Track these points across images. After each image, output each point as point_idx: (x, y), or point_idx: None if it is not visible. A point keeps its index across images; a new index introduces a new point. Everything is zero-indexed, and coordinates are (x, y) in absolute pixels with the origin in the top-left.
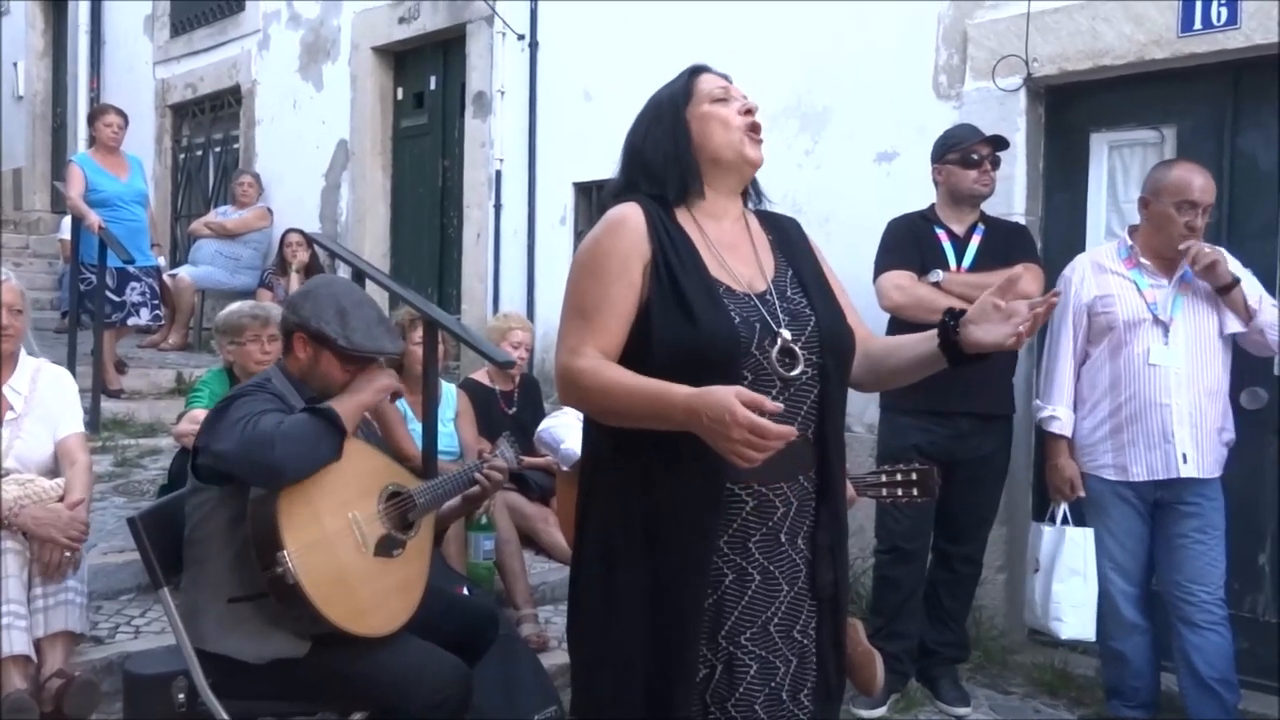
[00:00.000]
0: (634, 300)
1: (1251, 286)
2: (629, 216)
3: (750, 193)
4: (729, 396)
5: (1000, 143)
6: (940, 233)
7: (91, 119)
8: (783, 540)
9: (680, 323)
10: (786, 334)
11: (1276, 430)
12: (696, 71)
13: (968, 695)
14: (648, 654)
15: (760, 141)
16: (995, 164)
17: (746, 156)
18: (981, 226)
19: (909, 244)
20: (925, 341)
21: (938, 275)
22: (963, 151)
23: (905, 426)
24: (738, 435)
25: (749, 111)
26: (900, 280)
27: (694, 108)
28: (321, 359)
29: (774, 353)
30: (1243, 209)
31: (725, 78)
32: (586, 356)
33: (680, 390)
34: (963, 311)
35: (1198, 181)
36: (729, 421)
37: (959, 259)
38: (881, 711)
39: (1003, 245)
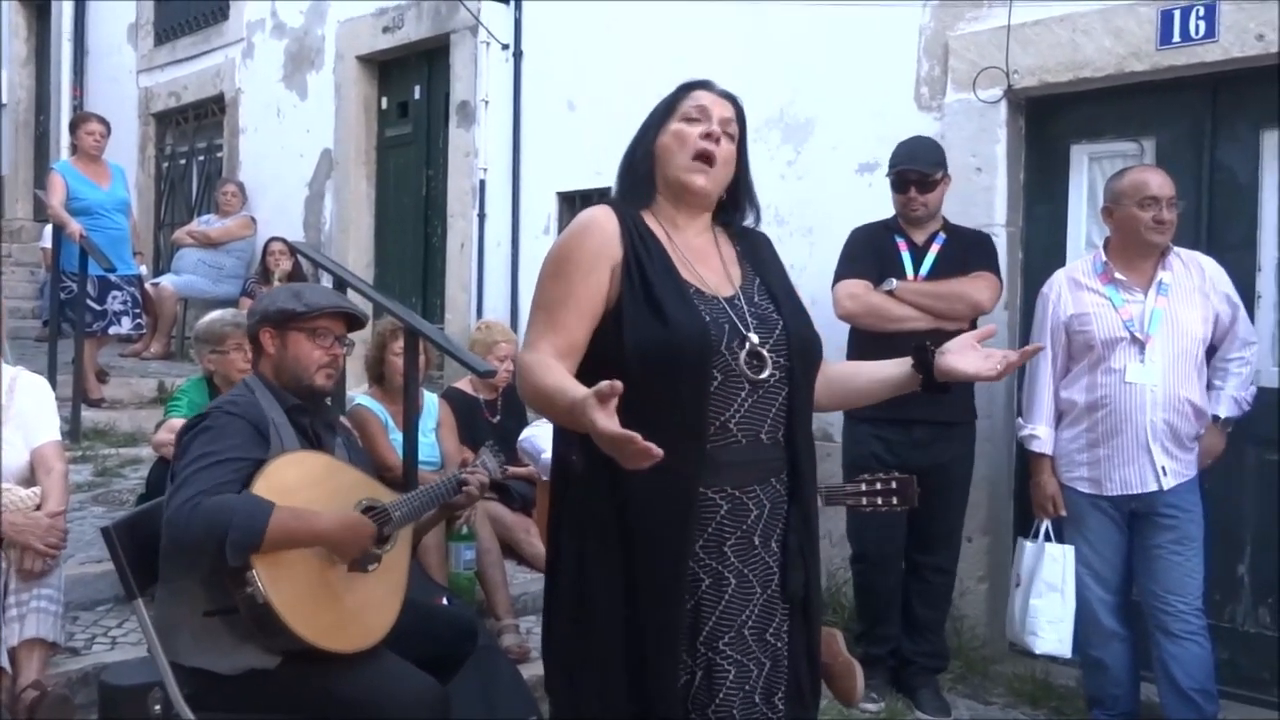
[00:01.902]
0: (598, 299)
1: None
2: (597, 217)
3: (727, 207)
4: (589, 411)
5: (922, 176)
6: (900, 241)
7: (74, 127)
8: (756, 543)
9: (651, 322)
10: (754, 338)
11: (1254, 440)
12: (689, 87)
13: (948, 705)
14: (629, 662)
15: (707, 171)
16: (926, 189)
17: (684, 182)
18: (942, 235)
19: (868, 253)
20: (896, 366)
21: (891, 284)
22: (893, 175)
23: (865, 435)
24: (605, 447)
25: (709, 135)
26: (854, 289)
27: (669, 123)
28: (289, 342)
29: (742, 355)
30: (1221, 220)
31: (729, 98)
32: (537, 351)
33: (571, 395)
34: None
35: (1154, 178)
36: (596, 434)
37: (916, 267)
38: (877, 707)
39: (962, 254)
